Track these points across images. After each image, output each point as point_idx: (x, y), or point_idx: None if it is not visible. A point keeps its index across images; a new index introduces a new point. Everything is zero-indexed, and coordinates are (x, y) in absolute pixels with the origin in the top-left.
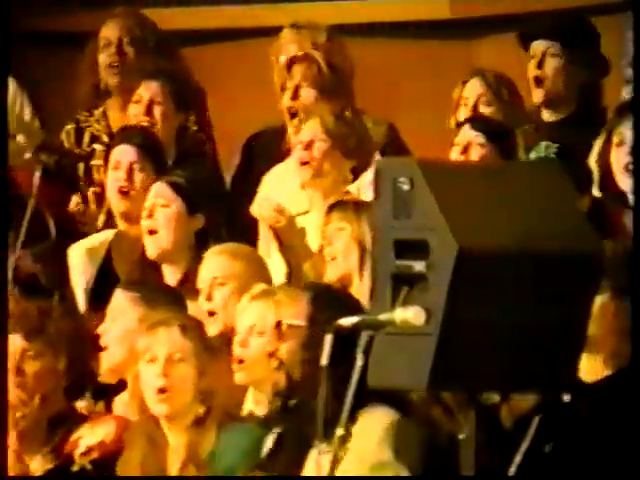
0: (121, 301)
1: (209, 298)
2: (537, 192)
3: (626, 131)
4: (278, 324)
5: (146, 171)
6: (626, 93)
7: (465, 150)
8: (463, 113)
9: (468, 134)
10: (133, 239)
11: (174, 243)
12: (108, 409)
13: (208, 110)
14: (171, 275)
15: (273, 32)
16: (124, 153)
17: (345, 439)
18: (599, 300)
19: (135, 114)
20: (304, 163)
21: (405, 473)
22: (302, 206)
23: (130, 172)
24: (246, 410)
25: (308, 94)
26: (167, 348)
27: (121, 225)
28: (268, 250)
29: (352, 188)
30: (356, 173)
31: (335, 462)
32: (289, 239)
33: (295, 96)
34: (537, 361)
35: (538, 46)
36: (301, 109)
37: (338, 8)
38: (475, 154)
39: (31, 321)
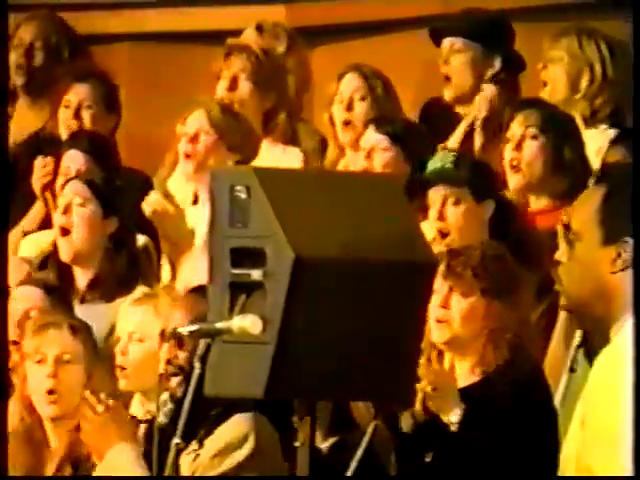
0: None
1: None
2: (373, 202)
3: (517, 129)
4: (174, 332)
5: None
6: None
7: (369, 155)
8: (338, 109)
9: (372, 138)
10: None
11: (87, 244)
12: None
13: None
14: (82, 277)
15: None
16: (73, 159)
17: (183, 449)
18: (468, 302)
19: (65, 118)
20: (188, 156)
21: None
22: (189, 198)
23: None
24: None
25: (244, 86)
26: (57, 349)
27: None
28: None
29: None
30: None
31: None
32: (170, 233)
33: (232, 87)
34: (373, 369)
35: (445, 43)
36: (236, 101)
37: (173, 14)
38: (379, 159)
39: None
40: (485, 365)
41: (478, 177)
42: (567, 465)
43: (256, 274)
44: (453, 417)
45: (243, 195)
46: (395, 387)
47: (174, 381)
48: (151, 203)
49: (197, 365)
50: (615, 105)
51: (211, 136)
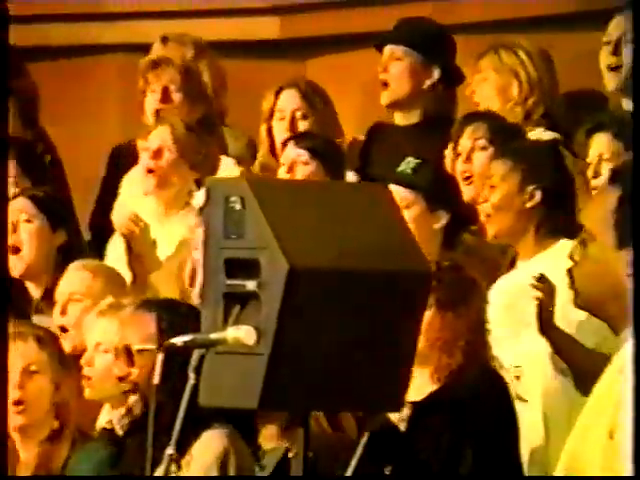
0: None
1: (63, 312)
2: (366, 212)
3: (466, 142)
4: (127, 349)
5: (22, 185)
6: None
7: (290, 169)
8: (279, 126)
9: (292, 152)
10: None
11: (37, 258)
12: None
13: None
14: (34, 290)
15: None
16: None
17: (178, 459)
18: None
19: None
20: (150, 171)
21: None
22: (150, 212)
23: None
24: (101, 425)
25: (177, 98)
26: (23, 360)
27: None
28: (116, 257)
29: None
30: (199, 186)
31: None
32: (139, 248)
33: (165, 99)
34: (368, 380)
35: (386, 50)
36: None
37: (168, 26)
38: (300, 173)
39: None
40: (441, 372)
41: (436, 186)
42: (593, 473)
43: (251, 285)
44: (402, 414)
45: (237, 206)
46: (389, 397)
47: (131, 398)
48: (122, 216)
49: (192, 376)
50: (546, 104)
51: (173, 153)
